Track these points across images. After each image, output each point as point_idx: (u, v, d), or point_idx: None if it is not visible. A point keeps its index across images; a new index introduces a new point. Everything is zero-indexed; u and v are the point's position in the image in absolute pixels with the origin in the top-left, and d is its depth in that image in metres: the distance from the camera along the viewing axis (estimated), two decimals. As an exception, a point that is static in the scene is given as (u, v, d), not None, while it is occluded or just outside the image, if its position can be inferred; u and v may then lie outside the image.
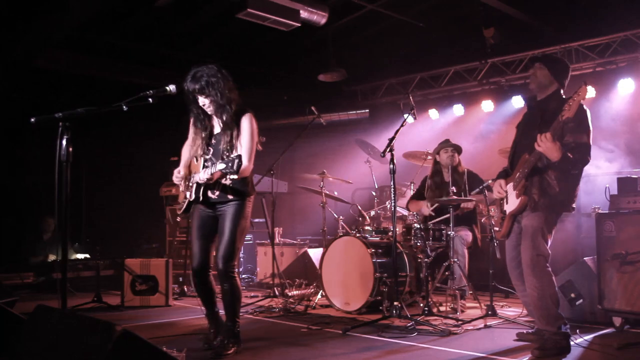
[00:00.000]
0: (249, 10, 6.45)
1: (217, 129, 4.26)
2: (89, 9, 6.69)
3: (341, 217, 6.95)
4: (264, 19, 6.71)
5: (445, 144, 6.29)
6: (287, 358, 4.05)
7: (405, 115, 5.28)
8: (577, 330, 4.42)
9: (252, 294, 7.10)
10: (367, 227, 6.35)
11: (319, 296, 6.15)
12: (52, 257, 8.34)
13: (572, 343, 4.03)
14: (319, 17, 7.11)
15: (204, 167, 4.14)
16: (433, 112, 8.98)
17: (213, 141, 4.24)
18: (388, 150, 4.99)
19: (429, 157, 6.60)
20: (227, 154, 4.06)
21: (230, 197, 4.16)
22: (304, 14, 6.93)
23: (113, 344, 2.06)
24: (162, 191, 8.81)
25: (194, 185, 4.20)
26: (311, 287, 6.49)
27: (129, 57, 8.49)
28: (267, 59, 9.02)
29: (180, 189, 4.38)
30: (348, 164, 8.79)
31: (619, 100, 7.21)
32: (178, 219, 4.74)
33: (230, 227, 4.12)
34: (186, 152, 4.42)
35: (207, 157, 4.21)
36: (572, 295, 4.95)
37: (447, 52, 8.55)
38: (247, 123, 4.15)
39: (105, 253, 6.97)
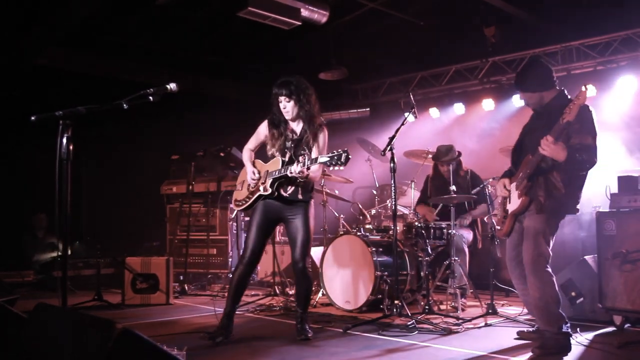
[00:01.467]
0: (249, 8, 6.45)
1: (296, 133, 4.54)
2: (89, 7, 6.68)
3: (342, 216, 6.95)
4: (265, 17, 6.71)
5: (440, 159, 6.23)
6: (288, 356, 4.05)
7: (406, 114, 5.28)
8: (578, 329, 4.42)
9: (253, 293, 7.09)
10: (367, 226, 6.35)
11: (319, 295, 6.15)
12: (46, 256, 8.33)
13: (572, 342, 4.03)
14: (320, 16, 7.10)
15: (288, 163, 4.39)
16: (434, 111, 8.97)
17: (290, 144, 4.51)
18: (389, 148, 4.99)
19: (430, 156, 6.59)
20: (309, 154, 4.37)
21: (300, 197, 4.46)
22: (304, 12, 6.92)
23: (113, 342, 2.06)
24: (163, 189, 8.82)
25: (269, 180, 4.41)
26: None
27: (129, 55, 8.49)
28: (267, 57, 9.02)
29: (239, 188, 4.72)
30: (349, 162, 8.76)
31: (619, 99, 7.20)
32: (233, 214, 4.92)
33: (305, 226, 4.47)
34: (249, 150, 4.73)
35: (285, 157, 4.47)
36: (573, 293, 4.95)
37: (448, 51, 8.54)
38: (323, 135, 4.54)
39: (105, 251, 6.96)
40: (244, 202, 4.63)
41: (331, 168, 4.10)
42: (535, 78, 4.18)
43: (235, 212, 4.87)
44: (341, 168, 4.05)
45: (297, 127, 4.56)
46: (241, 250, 4.78)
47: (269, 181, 4.42)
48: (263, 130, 4.67)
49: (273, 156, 4.53)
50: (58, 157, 3.04)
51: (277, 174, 4.38)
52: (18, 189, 8.53)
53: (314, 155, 4.38)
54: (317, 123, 4.53)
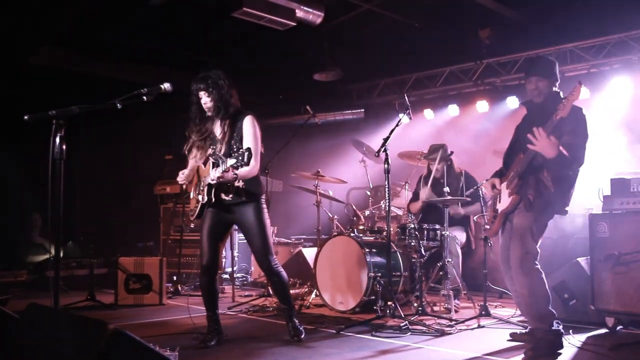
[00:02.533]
0: (244, 9, 6.44)
1: (217, 130, 4.36)
2: (84, 7, 6.67)
3: (336, 217, 6.95)
4: (260, 17, 6.70)
5: (429, 157, 6.24)
6: (281, 357, 4.04)
7: (401, 115, 5.28)
8: (570, 331, 4.43)
9: (246, 293, 7.10)
10: (361, 227, 6.35)
11: (313, 295, 6.15)
12: (40, 256, 8.30)
13: (565, 342, 4.04)
14: (315, 17, 7.10)
15: (213, 167, 4.22)
16: (428, 112, 8.98)
17: (218, 144, 4.34)
18: (383, 150, 4.99)
19: (423, 158, 6.59)
20: (234, 151, 4.15)
21: (244, 198, 4.30)
22: (299, 13, 6.92)
23: (105, 342, 2.06)
24: (157, 189, 8.79)
25: (205, 188, 4.30)
26: (305, 286, 6.49)
27: (124, 54, 8.47)
28: (262, 58, 9.01)
29: (191, 195, 4.55)
30: (343, 163, 8.78)
31: (612, 102, 7.23)
32: (192, 225, 4.85)
33: (257, 226, 4.33)
34: (191, 156, 4.52)
35: (214, 159, 4.28)
36: (566, 295, 4.97)
37: (443, 53, 8.55)
38: (249, 124, 4.29)
39: (99, 251, 6.95)
40: (193, 212, 4.53)
41: (239, 170, 3.97)
42: (541, 65, 4.31)
43: (192, 224, 4.78)
44: (246, 168, 3.95)
45: (218, 122, 4.36)
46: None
47: (205, 188, 4.31)
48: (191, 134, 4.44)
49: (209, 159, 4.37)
50: (51, 157, 3.03)
51: (208, 179, 4.25)
52: (12, 188, 8.50)
53: (244, 146, 4.15)
54: (237, 112, 4.32)
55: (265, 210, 4.42)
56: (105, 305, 6.19)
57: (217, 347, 4.30)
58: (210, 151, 4.33)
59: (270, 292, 6.51)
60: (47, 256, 8.28)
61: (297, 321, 4.52)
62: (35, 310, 2.64)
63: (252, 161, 4.08)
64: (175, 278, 7.40)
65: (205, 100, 4.29)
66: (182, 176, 4.46)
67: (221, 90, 4.27)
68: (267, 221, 4.41)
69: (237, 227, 4.68)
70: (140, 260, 6.46)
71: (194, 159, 4.47)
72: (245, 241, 4.63)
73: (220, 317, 4.51)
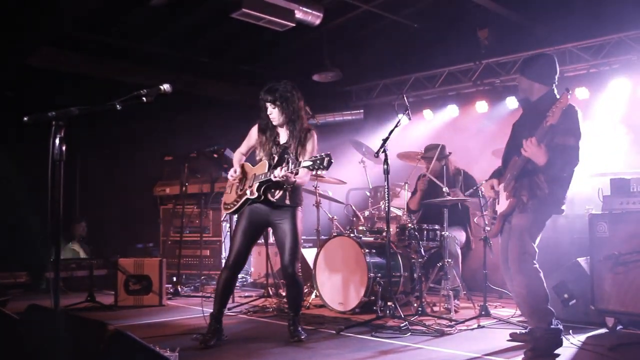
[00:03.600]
0: (243, 10, 6.45)
1: (282, 139, 4.54)
2: (83, 7, 6.66)
3: (335, 217, 6.95)
4: (259, 18, 6.71)
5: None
6: (281, 358, 4.04)
7: (400, 116, 5.28)
8: (570, 331, 4.43)
9: (246, 294, 7.10)
10: (361, 227, 6.35)
11: (312, 296, 6.15)
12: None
13: (565, 341, 4.04)
14: (314, 18, 7.11)
15: (274, 167, 4.37)
16: (427, 113, 8.99)
17: (277, 149, 4.52)
18: (382, 150, 4.99)
19: (421, 157, 6.59)
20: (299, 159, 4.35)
21: (287, 202, 4.45)
22: (298, 14, 6.92)
23: (105, 343, 2.06)
24: (156, 190, 8.80)
25: (256, 184, 4.40)
26: (305, 287, 6.48)
27: (123, 56, 8.47)
28: (261, 58, 9.01)
29: (228, 191, 4.72)
30: (342, 164, 8.76)
31: (611, 102, 7.23)
32: (223, 217, 4.94)
33: (293, 231, 4.46)
34: (240, 154, 4.77)
35: (274, 161, 4.47)
36: (565, 295, 4.97)
37: (442, 53, 8.55)
38: (311, 140, 4.51)
39: (98, 252, 6.94)
40: (232, 205, 4.62)
41: (314, 172, 4.12)
42: (536, 67, 4.26)
43: (224, 215, 4.85)
44: (323, 172, 4.09)
45: (285, 132, 4.56)
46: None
47: (255, 184, 4.42)
48: (253, 134, 4.70)
49: (261, 160, 4.54)
50: (51, 158, 3.03)
51: (263, 177, 4.38)
52: (10, 189, 8.48)
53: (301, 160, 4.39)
54: (305, 128, 4.53)
55: (301, 218, 4.55)
56: (105, 306, 6.19)
57: (217, 348, 4.29)
58: (266, 155, 4.50)
59: (270, 293, 6.53)
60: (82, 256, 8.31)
61: (300, 327, 4.56)
62: (36, 312, 2.64)
63: (306, 173, 4.39)
64: (175, 279, 7.40)
65: (271, 111, 4.47)
66: (234, 175, 4.61)
67: (287, 102, 4.46)
68: (301, 228, 4.54)
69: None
70: (140, 261, 6.46)
71: (250, 152, 4.70)
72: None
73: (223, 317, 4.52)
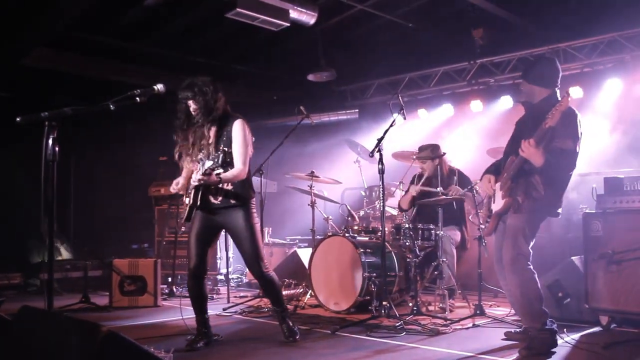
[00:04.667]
0: (238, 9, 6.43)
1: (206, 136, 4.32)
2: (78, 8, 6.64)
3: (330, 217, 6.95)
4: (254, 18, 6.70)
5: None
6: (276, 358, 4.04)
7: (395, 115, 5.28)
8: (565, 329, 4.45)
9: (242, 294, 7.09)
10: (356, 227, 6.35)
11: (308, 296, 6.15)
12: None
13: (559, 340, 4.05)
14: (309, 17, 7.10)
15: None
16: (422, 112, 9.00)
17: (208, 149, 4.30)
18: (377, 150, 4.99)
19: (415, 158, 6.59)
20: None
21: (232, 201, 4.28)
22: (293, 13, 6.91)
23: (98, 345, 2.05)
24: (151, 191, 8.77)
25: (192, 191, 4.25)
26: (300, 287, 6.49)
27: (118, 56, 8.45)
28: (256, 58, 9.01)
29: (184, 200, 4.47)
30: (337, 164, 8.79)
31: (606, 101, 7.26)
32: (183, 228, 4.79)
33: (246, 230, 4.29)
34: (181, 162, 4.50)
35: (199, 162, 4.27)
36: (560, 294, 4.98)
37: (436, 53, 8.57)
38: (238, 128, 4.28)
39: (93, 253, 6.92)
40: (183, 214, 4.42)
41: (216, 171, 3.94)
42: (538, 70, 4.26)
43: (183, 227, 4.73)
44: (231, 171, 4.02)
45: (212, 127, 4.33)
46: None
47: (192, 193, 4.26)
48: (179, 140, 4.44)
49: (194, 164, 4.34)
50: (44, 159, 3.02)
51: (192, 184, 4.23)
52: (2, 191, 8.45)
53: (233, 151, 4.19)
54: (229, 117, 4.32)
55: (255, 215, 4.38)
56: (100, 307, 6.18)
57: (211, 348, 4.29)
58: (200, 155, 4.28)
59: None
60: (60, 258, 8.25)
61: (290, 322, 4.50)
62: (28, 313, 2.63)
63: (239, 164, 4.16)
64: (170, 279, 7.39)
65: (194, 107, 4.30)
66: (175, 187, 4.42)
67: (206, 96, 4.26)
68: (257, 226, 4.37)
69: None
70: (135, 262, 6.45)
71: (185, 164, 4.43)
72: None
73: (209, 320, 4.46)
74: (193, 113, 4.31)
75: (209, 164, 3.93)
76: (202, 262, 4.38)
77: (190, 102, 4.29)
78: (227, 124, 4.30)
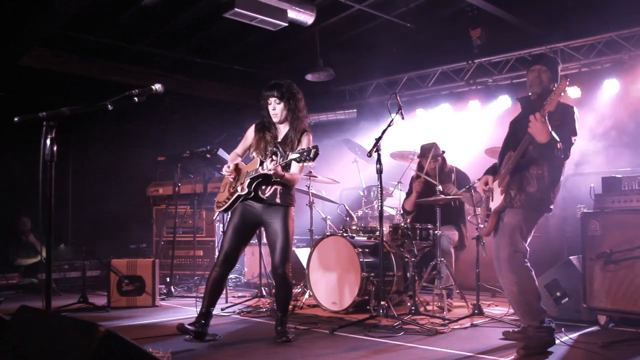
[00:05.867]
0: (236, 9, 6.42)
1: (280, 137, 4.53)
2: (75, 7, 6.63)
3: (328, 217, 6.95)
4: (252, 18, 6.69)
5: (423, 156, 6.26)
6: (274, 358, 4.04)
7: (393, 115, 5.28)
8: (563, 329, 4.46)
9: (240, 294, 7.09)
10: (354, 227, 6.35)
11: (306, 296, 6.15)
12: (30, 259, 8.26)
13: (557, 340, 4.06)
14: (307, 17, 7.09)
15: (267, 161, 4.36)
16: (420, 112, 9.00)
17: (272, 146, 4.50)
18: (375, 150, 4.99)
19: (416, 157, 6.60)
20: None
21: (278, 200, 4.42)
22: (291, 13, 6.91)
23: (96, 345, 2.04)
24: (149, 191, 8.78)
25: (247, 180, 4.36)
26: (298, 287, 6.48)
27: (115, 56, 8.44)
28: (254, 58, 9.00)
29: (221, 190, 4.67)
30: (335, 163, 8.78)
31: (603, 101, 7.27)
32: (215, 216, 4.87)
33: (284, 231, 4.41)
34: (235, 154, 4.72)
35: (273, 152, 4.45)
36: (558, 293, 4.99)
37: (435, 53, 8.57)
38: (306, 141, 4.47)
39: (91, 253, 6.91)
40: (224, 203, 4.59)
41: (301, 164, 4.16)
42: (550, 59, 4.42)
43: (217, 213, 4.82)
44: (310, 164, 4.16)
45: (284, 130, 4.56)
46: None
47: (246, 181, 4.38)
48: (250, 134, 4.69)
49: (254, 158, 4.53)
50: (42, 159, 3.02)
51: (253, 173, 4.36)
52: (1, 191, 8.45)
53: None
54: (302, 128, 4.53)
55: (293, 218, 4.51)
56: (98, 307, 6.17)
57: (209, 348, 4.29)
58: (262, 153, 4.48)
59: (264, 293, 6.53)
60: (37, 259, 8.23)
61: (287, 329, 4.54)
62: (26, 313, 2.63)
63: (297, 172, 4.40)
64: (168, 280, 7.38)
65: (275, 106, 4.47)
66: (228, 170, 4.53)
67: (293, 99, 4.48)
68: (293, 227, 4.50)
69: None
70: (133, 262, 6.44)
71: (247, 153, 4.66)
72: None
73: (211, 318, 4.49)
74: (272, 112, 4.49)
75: (293, 156, 4.04)
76: (234, 256, 4.50)
77: (272, 101, 4.47)
78: (298, 130, 4.48)
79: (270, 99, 4.49)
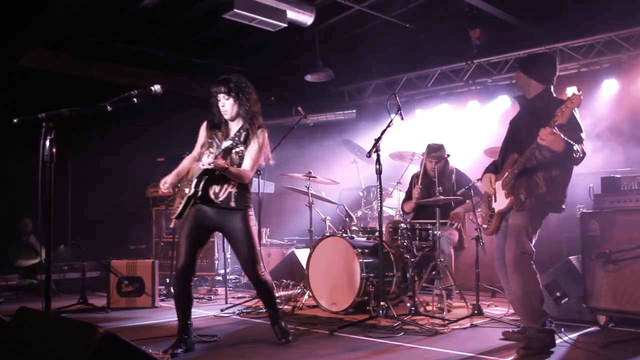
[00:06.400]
0: (235, 10, 6.43)
1: (232, 134, 4.25)
2: (75, 8, 6.64)
3: (328, 218, 6.95)
4: (251, 19, 6.70)
5: (429, 154, 6.27)
6: (274, 359, 4.04)
7: (392, 116, 5.28)
8: (562, 329, 4.45)
9: (240, 295, 7.09)
10: (353, 228, 6.35)
11: (305, 297, 6.14)
12: (30, 260, 8.25)
13: (557, 339, 4.06)
14: (306, 18, 7.10)
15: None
16: (420, 112, 9.01)
17: (209, 139, 4.28)
18: (374, 150, 4.99)
19: (416, 157, 6.61)
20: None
21: (233, 204, 4.18)
22: (290, 14, 6.91)
23: (95, 346, 2.04)
24: (149, 192, 8.77)
25: (195, 180, 4.11)
26: (298, 287, 6.48)
27: (115, 57, 8.44)
28: (253, 59, 9.01)
29: (183, 190, 4.28)
30: (335, 164, 8.79)
31: (602, 101, 7.28)
32: (172, 224, 4.62)
33: (246, 237, 4.21)
34: (192, 158, 4.42)
35: (211, 145, 4.23)
36: (558, 294, 4.99)
37: (434, 53, 8.58)
38: (261, 135, 4.24)
39: (91, 254, 6.91)
40: (176, 209, 4.26)
41: (252, 161, 4.04)
42: (537, 65, 4.29)
43: (173, 222, 4.61)
44: (242, 148, 4.02)
45: (235, 127, 4.28)
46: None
47: (194, 181, 4.11)
48: (202, 132, 4.40)
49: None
50: (41, 160, 3.02)
51: (198, 171, 4.10)
52: (1, 192, 8.45)
53: (247, 153, 4.16)
54: (257, 124, 4.26)
55: (253, 218, 4.30)
56: (98, 308, 6.17)
57: (208, 349, 4.28)
58: (216, 144, 4.23)
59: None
60: (38, 260, 8.23)
61: (283, 323, 4.48)
62: (26, 315, 2.63)
63: (247, 167, 4.14)
64: (168, 280, 7.38)
65: (224, 102, 4.20)
66: (164, 186, 4.27)
67: (243, 94, 4.20)
68: (255, 229, 4.28)
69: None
70: (133, 263, 6.44)
71: (192, 157, 4.38)
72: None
73: (192, 327, 4.27)
74: (222, 108, 4.22)
75: (226, 143, 3.89)
76: (191, 263, 4.22)
77: (221, 97, 4.20)
78: (253, 127, 4.21)
79: (219, 95, 4.19)
